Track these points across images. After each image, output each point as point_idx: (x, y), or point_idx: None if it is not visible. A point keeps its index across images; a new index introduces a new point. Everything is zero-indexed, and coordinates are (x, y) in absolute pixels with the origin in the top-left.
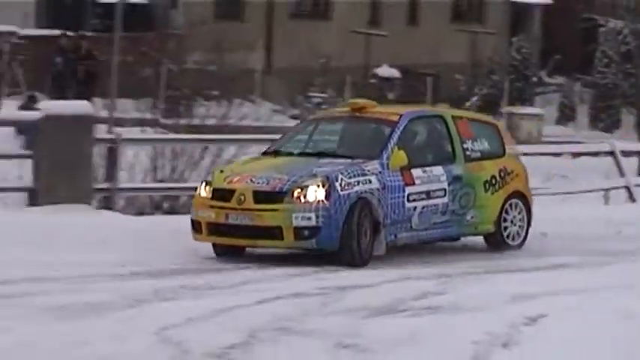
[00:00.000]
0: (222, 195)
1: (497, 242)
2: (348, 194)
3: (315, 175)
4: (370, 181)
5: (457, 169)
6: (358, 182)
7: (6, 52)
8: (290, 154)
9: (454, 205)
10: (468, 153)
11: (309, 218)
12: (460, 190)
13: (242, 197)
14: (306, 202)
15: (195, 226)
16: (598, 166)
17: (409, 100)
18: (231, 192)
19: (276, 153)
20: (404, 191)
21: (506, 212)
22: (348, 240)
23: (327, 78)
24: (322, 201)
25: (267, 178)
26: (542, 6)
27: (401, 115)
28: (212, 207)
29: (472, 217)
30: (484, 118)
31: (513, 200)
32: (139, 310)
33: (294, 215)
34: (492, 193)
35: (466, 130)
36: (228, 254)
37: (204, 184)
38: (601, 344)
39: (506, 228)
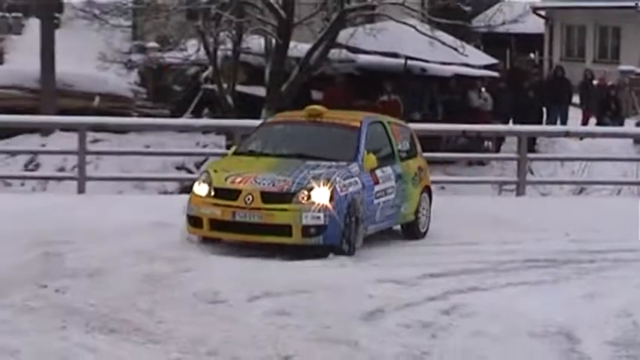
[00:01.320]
0: (225, 194)
1: (413, 230)
2: (345, 195)
3: (316, 178)
4: (357, 182)
5: (398, 168)
6: (350, 184)
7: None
8: (268, 154)
9: (397, 200)
10: (401, 154)
11: (318, 217)
12: (400, 187)
13: (250, 197)
14: (314, 202)
15: (195, 221)
16: None
17: None
18: (237, 192)
19: (251, 153)
20: (373, 190)
21: (420, 204)
22: (345, 235)
23: None
24: (327, 201)
25: (272, 180)
26: None
27: (361, 122)
28: (216, 205)
29: (404, 209)
30: (402, 122)
31: (424, 194)
32: None
33: (303, 214)
34: (415, 188)
35: (396, 133)
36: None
37: (201, 183)
38: None
39: (419, 217)
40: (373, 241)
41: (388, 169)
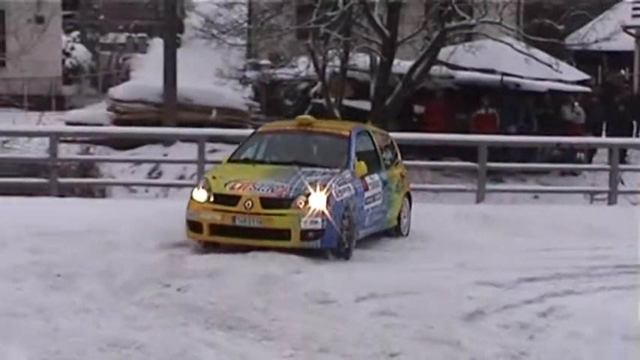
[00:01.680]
0: (225, 200)
1: (395, 234)
2: (341, 200)
3: (313, 184)
4: (350, 189)
5: (384, 175)
6: (344, 190)
7: None
8: (264, 162)
9: (383, 206)
10: (385, 161)
11: (316, 222)
12: (386, 193)
13: (249, 203)
14: (312, 207)
15: (195, 226)
16: None
17: None
18: (236, 197)
19: (247, 161)
20: (364, 196)
21: (402, 209)
22: (342, 239)
23: None
24: (325, 207)
25: (270, 186)
26: None
27: (351, 131)
28: (216, 210)
29: (389, 215)
30: (383, 131)
31: (405, 199)
32: None
33: (302, 219)
34: (398, 194)
35: (381, 142)
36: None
37: (200, 189)
38: None
39: (401, 221)
40: (473, 247)
41: (375, 176)
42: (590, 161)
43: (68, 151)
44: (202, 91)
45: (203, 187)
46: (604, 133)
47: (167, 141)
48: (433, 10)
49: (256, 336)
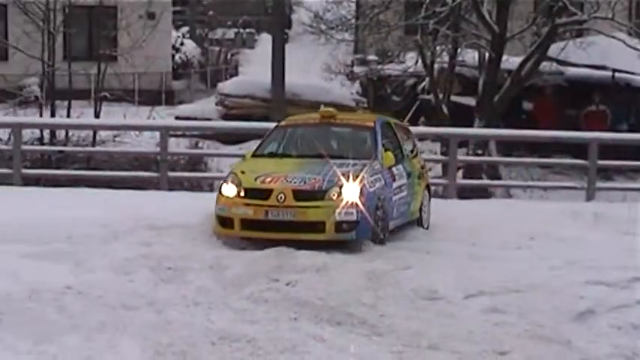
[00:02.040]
0: (256, 194)
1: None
2: (373, 191)
3: (345, 175)
4: (380, 179)
5: (407, 167)
6: (376, 180)
7: None
8: (290, 155)
9: (408, 197)
10: (406, 152)
11: (351, 213)
12: (410, 184)
13: (282, 196)
14: (346, 199)
15: (225, 222)
16: None
17: None
18: (268, 191)
19: (272, 155)
20: (392, 187)
21: (422, 202)
22: (376, 230)
23: None
24: (359, 198)
25: (302, 179)
26: None
27: (375, 121)
28: (248, 205)
29: (412, 207)
30: (404, 123)
31: (425, 191)
32: None
33: (337, 211)
34: (419, 186)
35: (402, 133)
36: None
37: (229, 184)
38: None
39: (422, 214)
40: (583, 245)
41: (400, 167)
42: None
43: (177, 145)
44: (310, 87)
45: (232, 182)
46: None
47: None
48: (543, 5)
49: (365, 331)
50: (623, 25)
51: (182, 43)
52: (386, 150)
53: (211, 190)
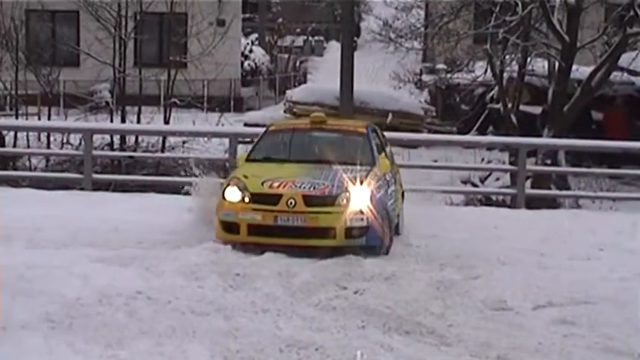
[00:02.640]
0: (264, 199)
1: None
2: (380, 197)
3: (354, 181)
4: (383, 185)
5: (393, 171)
6: (380, 186)
7: None
8: (289, 160)
9: (395, 203)
10: (390, 157)
11: (362, 219)
12: (396, 190)
13: (292, 201)
14: (356, 205)
15: (231, 227)
16: None
17: None
18: (277, 196)
19: (269, 160)
20: (388, 193)
21: (401, 208)
22: (384, 236)
23: None
24: (368, 204)
25: (311, 184)
26: None
27: (367, 127)
28: (255, 210)
29: (396, 211)
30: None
31: (399, 196)
32: None
33: (347, 217)
34: (399, 192)
35: (384, 138)
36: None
37: (233, 188)
38: None
39: (400, 219)
40: None
41: (389, 173)
42: None
43: (246, 152)
44: (378, 95)
45: (236, 186)
46: None
47: None
48: (614, 15)
49: (433, 341)
50: None
51: (251, 50)
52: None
53: None
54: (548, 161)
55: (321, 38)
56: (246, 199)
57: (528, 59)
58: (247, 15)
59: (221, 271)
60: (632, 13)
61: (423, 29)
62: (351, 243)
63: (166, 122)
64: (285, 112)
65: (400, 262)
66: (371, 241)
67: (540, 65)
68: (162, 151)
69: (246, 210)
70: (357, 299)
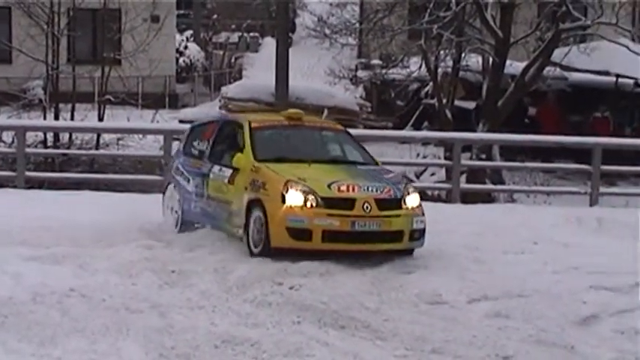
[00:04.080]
0: (338, 203)
1: None
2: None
3: (402, 183)
4: None
5: None
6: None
7: None
8: (304, 160)
9: None
10: None
11: (422, 221)
12: None
13: (367, 206)
14: (418, 207)
15: (302, 234)
16: None
17: None
18: (351, 200)
19: (283, 160)
20: None
21: None
22: None
23: None
24: (421, 205)
25: (376, 187)
26: None
27: (342, 125)
28: (331, 215)
29: None
30: None
31: None
32: None
33: (414, 219)
34: None
35: None
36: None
37: (297, 192)
38: None
39: None
40: (586, 250)
41: None
42: None
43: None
44: (314, 91)
45: (300, 191)
46: None
47: None
48: (547, 10)
49: (369, 335)
50: (626, 31)
51: (186, 47)
52: None
53: None
54: (483, 156)
55: (257, 34)
56: (314, 204)
57: (462, 55)
58: (182, 11)
59: (156, 268)
60: (564, 8)
61: (357, 25)
62: (414, 245)
63: (100, 119)
64: (220, 108)
65: (335, 258)
66: (423, 243)
67: (474, 61)
68: (97, 148)
69: (321, 215)
70: (292, 295)
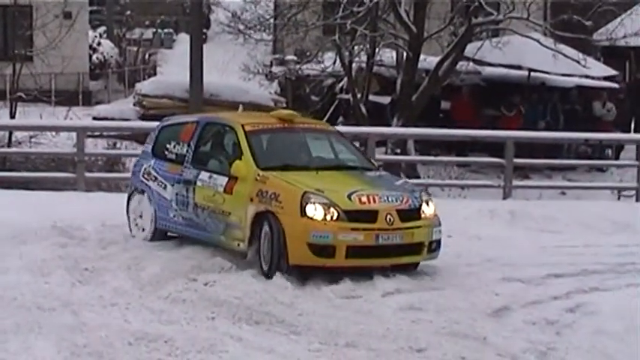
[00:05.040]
0: (360, 216)
1: None
2: None
3: (417, 190)
4: None
5: None
6: None
7: None
8: (307, 167)
9: None
10: None
11: (440, 232)
12: None
13: (390, 217)
14: (434, 216)
15: (325, 250)
16: None
17: None
18: (374, 212)
19: (289, 167)
20: None
21: None
22: None
23: None
24: (437, 214)
25: (394, 196)
26: None
27: (334, 127)
28: (356, 229)
29: None
30: None
31: None
32: None
33: (433, 230)
34: None
35: None
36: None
37: (316, 205)
38: None
39: None
40: (499, 243)
41: None
42: (617, 158)
43: (95, 146)
44: (228, 87)
45: (320, 204)
46: (632, 129)
47: None
48: (460, 5)
49: (283, 330)
50: (538, 25)
51: (99, 43)
52: None
53: None
54: (398, 150)
55: (171, 31)
56: (335, 217)
57: (376, 50)
58: (94, 7)
59: (68, 266)
60: (476, 3)
61: (272, 20)
62: (431, 257)
63: (12, 117)
64: (134, 105)
65: (251, 255)
66: (439, 253)
67: (389, 56)
68: (9, 146)
69: (346, 230)
70: (206, 291)
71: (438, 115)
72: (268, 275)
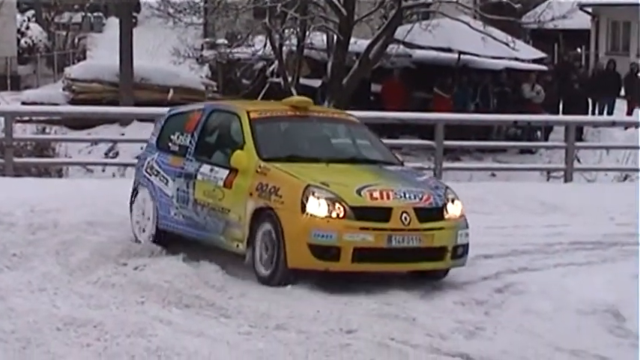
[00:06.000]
0: (371, 214)
1: None
2: None
3: (442, 187)
4: None
5: None
6: None
7: None
8: (318, 159)
9: None
10: None
11: (467, 235)
12: None
13: (406, 216)
14: (460, 217)
15: (328, 252)
16: None
17: None
18: (386, 210)
19: (296, 159)
20: None
21: None
22: None
23: None
24: (464, 214)
25: (413, 193)
26: None
27: (353, 116)
28: (365, 229)
29: None
30: None
31: None
32: None
33: (459, 232)
34: None
35: None
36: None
37: (319, 200)
38: None
39: None
40: None
41: None
42: (546, 139)
43: (24, 131)
44: (159, 71)
45: (325, 198)
46: (560, 111)
47: (124, 120)
48: None
49: (213, 313)
50: (467, 8)
51: (28, 27)
52: None
53: (60, 175)
54: None
55: (101, 14)
56: (340, 214)
57: (307, 33)
58: None
59: None
60: None
61: (202, 4)
62: (456, 264)
63: None
64: (64, 89)
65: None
66: (466, 260)
67: (319, 39)
68: None
69: (353, 229)
70: (136, 275)
71: (369, 98)
72: (268, 282)
